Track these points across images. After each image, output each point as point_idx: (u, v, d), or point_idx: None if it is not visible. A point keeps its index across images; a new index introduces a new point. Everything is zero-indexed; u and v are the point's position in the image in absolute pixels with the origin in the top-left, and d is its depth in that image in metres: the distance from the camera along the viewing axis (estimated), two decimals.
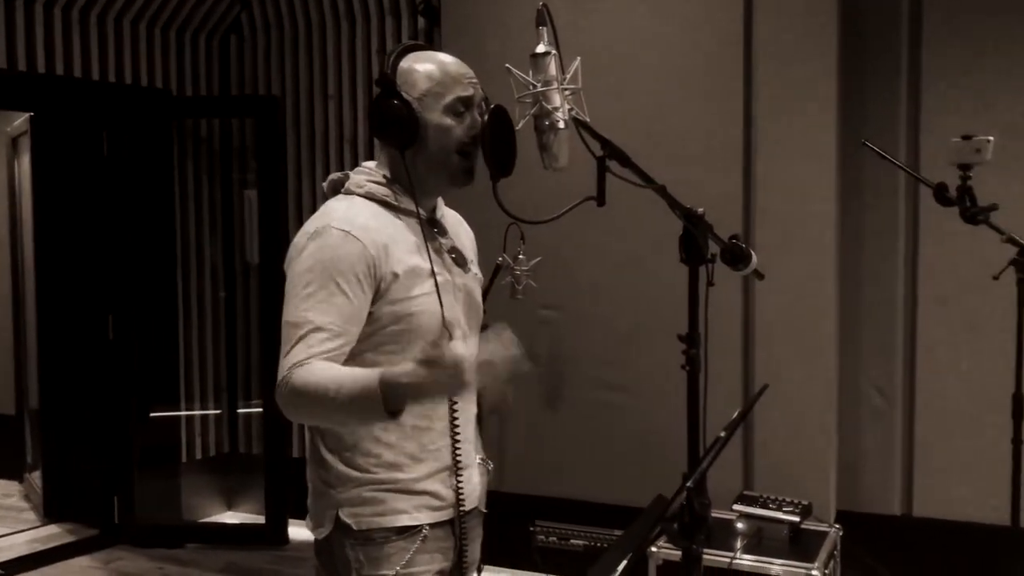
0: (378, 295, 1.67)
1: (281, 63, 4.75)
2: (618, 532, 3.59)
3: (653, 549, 3.15)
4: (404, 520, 1.73)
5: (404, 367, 1.50)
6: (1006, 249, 2.76)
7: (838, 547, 3.35)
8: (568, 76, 1.66)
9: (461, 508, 1.80)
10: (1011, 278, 2.77)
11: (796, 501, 3.31)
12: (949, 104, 3.46)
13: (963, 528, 3.48)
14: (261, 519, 4.61)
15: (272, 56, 4.78)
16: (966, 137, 2.67)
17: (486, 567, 3.62)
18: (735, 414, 1.76)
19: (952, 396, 3.51)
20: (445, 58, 1.77)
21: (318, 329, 1.61)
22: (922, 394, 3.58)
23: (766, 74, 3.55)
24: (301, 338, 1.61)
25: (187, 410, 4.89)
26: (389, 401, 1.50)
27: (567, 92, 1.65)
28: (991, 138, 2.65)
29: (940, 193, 2.77)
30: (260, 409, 4.79)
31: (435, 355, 1.46)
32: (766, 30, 3.54)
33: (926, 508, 3.58)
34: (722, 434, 1.56)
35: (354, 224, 1.68)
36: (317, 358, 1.60)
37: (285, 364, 1.61)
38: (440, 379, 1.47)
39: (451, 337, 1.73)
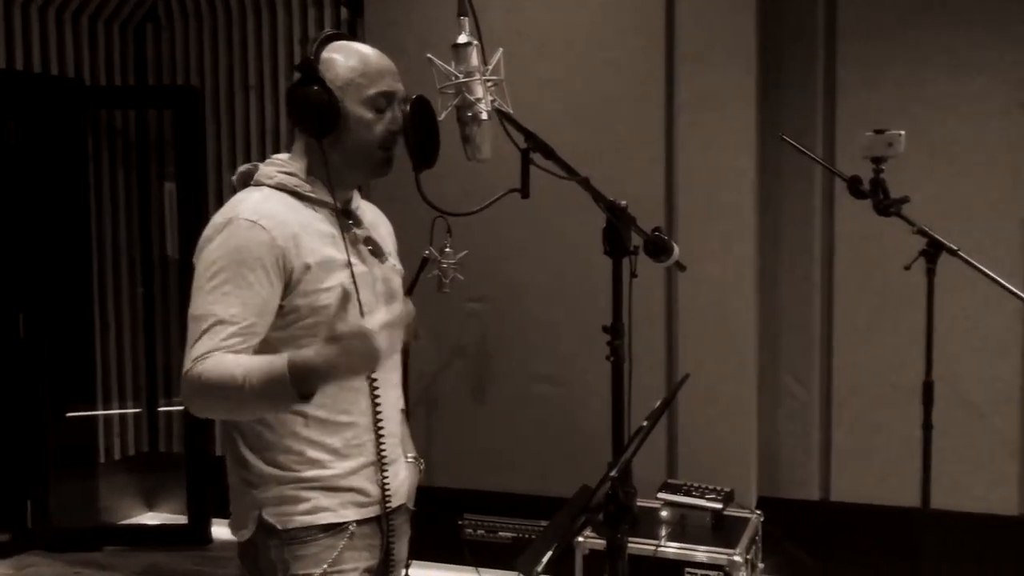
0: (289, 287, 1.64)
1: (200, 53, 4.64)
2: (546, 523, 3.61)
3: (579, 539, 3.18)
4: (330, 518, 1.71)
5: (311, 347, 1.48)
6: (917, 240, 2.85)
7: (759, 532, 3.43)
8: (490, 67, 1.65)
9: (388, 505, 1.78)
10: (922, 268, 2.86)
11: (719, 488, 3.38)
12: (864, 99, 3.56)
13: (878, 511, 3.59)
14: (183, 519, 4.52)
15: (191, 45, 4.66)
16: (879, 131, 2.75)
17: (414, 562, 3.62)
18: (658, 404, 1.78)
19: (867, 384, 3.62)
20: (369, 51, 1.75)
21: (222, 322, 1.58)
22: (838, 382, 3.68)
23: (687, 69, 3.60)
24: (205, 331, 1.58)
25: (104, 409, 4.76)
26: (299, 383, 1.47)
27: (489, 83, 1.65)
28: (902, 132, 2.73)
29: (854, 186, 2.84)
30: (181, 407, 4.68)
31: (341, 330, 1.44)
32: (687, 26, 3.59)
33: (843, 493, 3.68)
34: (645, 424, 1.57)
35: (262, 214, 1.65)
36: (221, 351, 1.56)
37: (188, 358, 1.57)
38: (349, 353, 1.45)
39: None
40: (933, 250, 2.81)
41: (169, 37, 4.72)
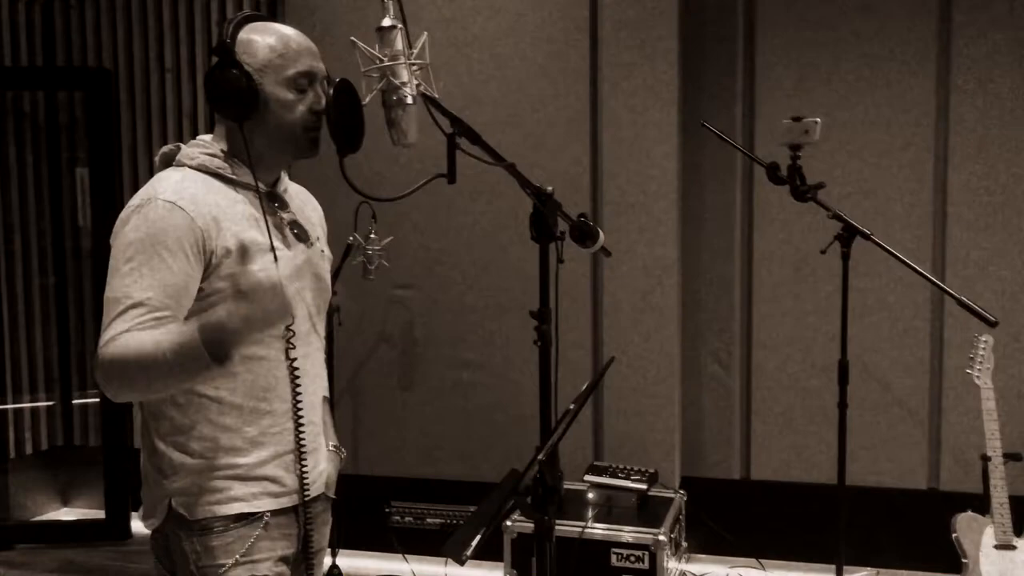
0: (209, 269, 1.61)
1: (113, 32, 4.47)
2: (474, 509, 3.62)
3: (508, 523, 3.21)
4: (242, 507, 1.68)
5: (220, 307, 1.44)
6: (834, 225, 2.93)
7: (683, 512, 3.50)
8: (415, 51, 1.64)
9: (306, 494, 1.75)
10: (837, 252, 2.95)
11: (643, 469, 3.44)
12: (782, 88, 3.64)
13: (796, 488, 3.70)
14: (101, 514, 4.39)
15: (103, 25, 4.49)
16: (795, 119, 2.82)
17: (341, 551, 3.60)
18: (584, 387, 1.80)
19: (785, 364, 3.72)
20: (287, 30, 1.71)
21: (138, 304, 1.54)
22: (758, 364, 3.78)
23: (611, 56, 3.63)
24: (119, 313, 1.54)
25: (16, 403, 4.59)
26: (212, 346, 1.43)
27: (415, 67, 1.63)
28: (818, 120, 2.81)
29: (772, 172, 2.91)
30: (97, 399, 4.55)
31: (247, 284, 1.41)
32: (611, 13, 3.62)
33: (763, 471, 3.79)
34: (571, 407, 1.59)
35: (182, 196, 1.61)
36: (134, 330, 1.53)
37: (101, 341, 1.54)
38: (259, 307, 1.42)
39: (293, 317, 1.68)
40: (847, 234, 2.90)
41: (80, 16, 4.54)
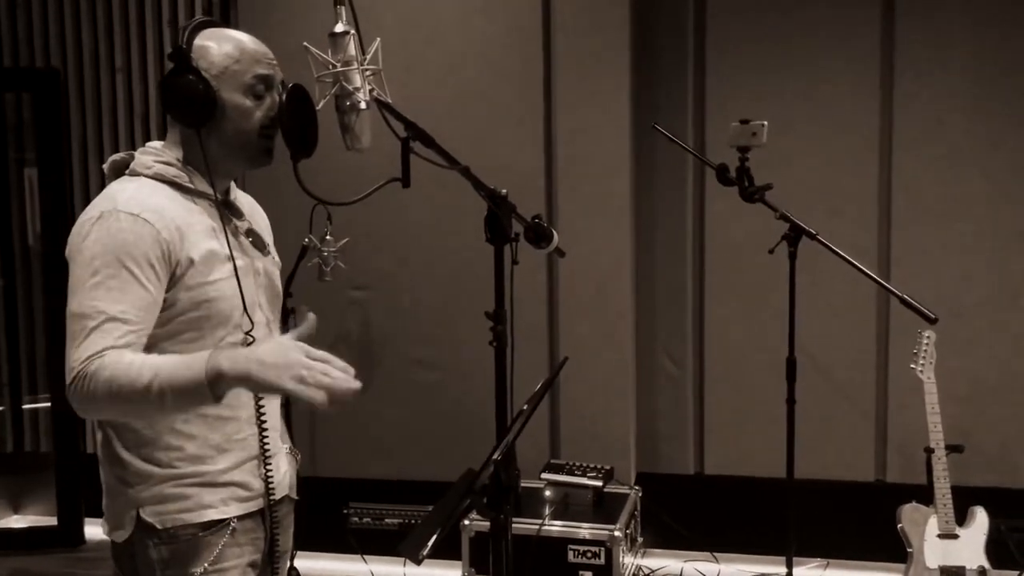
0: (173, 281, 1.60)
1: (61, 32, 4.40)
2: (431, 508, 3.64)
3: (466, 522, 3.23)
4: (212, 514, 1.68)
5: (229, 353, 1.44)
6: (781, 225, 3.00)
7: (638, 507, 3.55)
8: (368, 56, 1.66)
9: (271, 497, 1.76)
10: (785, 252, 3.02)
11: (599, 466, 3.48)
12: (732, 90, 3.70)
13: (749, 482, 3.77)
14: (53, 521, 4.33)
15: (50, 25, 4.42)
16: (744, 121, 2.88)
17: (300, 553, 3.59)
18: (538, 387, 1.83)
19: (737, 362, 3.79)
20: (242, 36, 1.71)
21: (112, 319, 1.51)
22: (710, 361, 3.84)
23: (564, 61, 3.67)
24: (94, 328, 1.50)
25: None
26: (217, 387, 1.43)
27: (368, 72, 1.65)
28: (765, 123, 2.87)
29: (721, 173, 2.97)
30: (48, 404, 4.47)
31: (269, 349, 1.43)
32: (564, 16, 3.66)
33: (716, 466, 3.85)
34: (525, 407, 1.62)
35: (144, 206, 1.59)
36: (117, 349, 1.49)
37: (77, 357, 1.48)
38: (273, 367, 1.41)
39: (252, 323, 1.69)
40: (794, 234, 2.97)
41: (27, 15, 4.46)
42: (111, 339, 1.50)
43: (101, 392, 1.47)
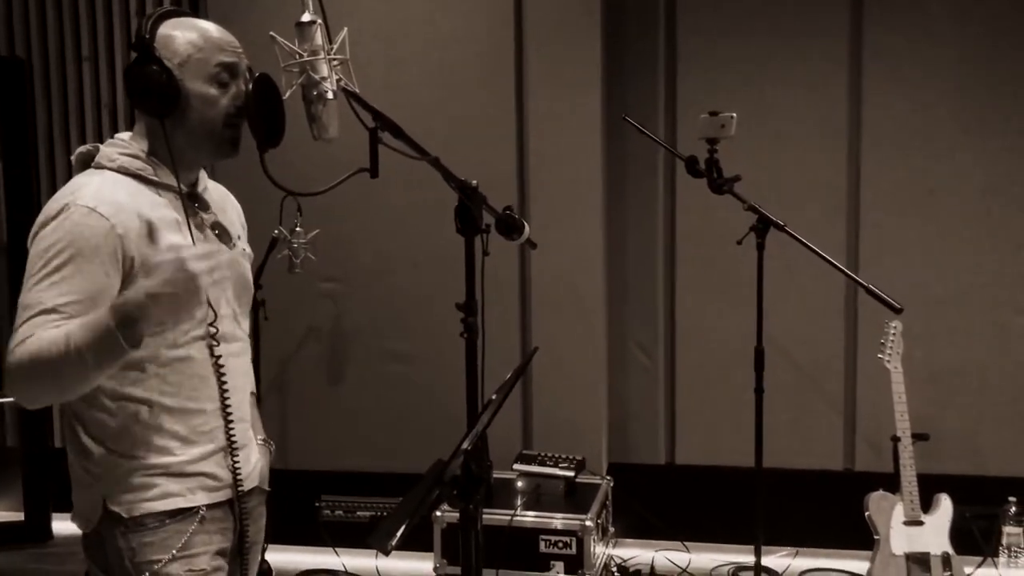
0: (131, 276, 1.58)
1: (25, 21, 4.33)
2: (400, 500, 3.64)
3: (438, 514, 3.23)
4: (179, 503, 1.67)
5: (128, 289, 1.46)
6: (749, 216, 3.02)
7: (610, 497, 3.58)
8: (335, 46, 1.65)
9: (240, 488, 1.76)
10: (753, 243, 3.04)
11: (571, 457, 3.50)
12: (702, 82, 3.72)
13: (719, 472, 3.81)
14: (20, 516, 4.28)
15: (14, 13, 4.35)
16: (713, 113, 2.90)
17: (271, 546, 3.58)
18: (508, 377, 1.83)
19: (706, 352, 3.82)
20: (207, 25, 1.70)
21: (50, 311, 1.52)
22: (681, 352, 3.87)
23: (536, 52, 3.67)
24: (29, 319, 1.51)
25: None
26: (124, 325, 1.43)
27: (335, 62, 1.64)
28: (734, 115, 2.89)
29: (691, 165, 2.99)
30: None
31: (154, 260, 1.43)
32: (536, 10, 3.66)
33: (687, 456, 3.89)
34: (494, 397, 1.62)
35: (101, 200, 1.58)
36: (42, 331, 1.51)
37: (10, 348, 1.50)
38: (167, 281, 1.42)
39: (216, 315, 1.69)
40: (762, 226, 3.00)
41: None
42: (40, 327, 1.51)
43: (28, 371, 1.49)
